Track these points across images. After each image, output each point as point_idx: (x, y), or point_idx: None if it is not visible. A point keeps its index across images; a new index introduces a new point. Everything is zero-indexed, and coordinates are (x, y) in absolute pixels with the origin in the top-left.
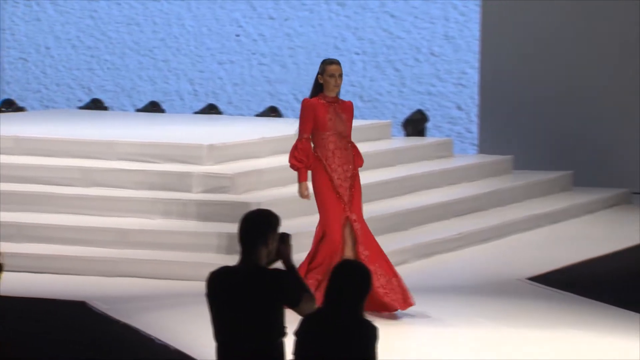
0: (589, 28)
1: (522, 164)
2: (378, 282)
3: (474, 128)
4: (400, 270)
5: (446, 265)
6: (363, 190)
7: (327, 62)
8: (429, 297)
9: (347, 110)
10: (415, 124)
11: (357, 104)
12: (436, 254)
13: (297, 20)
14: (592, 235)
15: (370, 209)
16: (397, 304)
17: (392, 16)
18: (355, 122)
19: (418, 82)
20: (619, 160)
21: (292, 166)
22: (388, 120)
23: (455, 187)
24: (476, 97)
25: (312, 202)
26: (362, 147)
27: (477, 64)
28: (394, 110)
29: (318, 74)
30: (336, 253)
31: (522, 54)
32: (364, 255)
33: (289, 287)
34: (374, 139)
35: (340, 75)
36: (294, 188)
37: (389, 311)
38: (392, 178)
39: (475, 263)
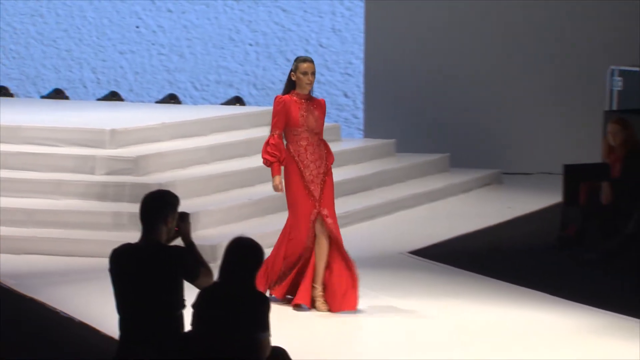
0: (464, 21)
1: (404, 147)
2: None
3: (360, 114)
4: None
5: None
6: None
7: (300, 60)
8: None
9: (319, 108)
10: None
11: (251, 91)
12: None
13: (194, 13)
14: (467, 213)
15: (262, 190)
16: (330, 306)
17: (284, 10)
18: (249, 109)
19: None
20: (491, 144)
21: (266, 161)
22: None
23: (343, 168)
24: (361, 85)
25: (209, 183)
26: (256, 134)
27: (362, 55)
28: None
29: (291, 71)
30: (302, 250)
31: (403, 46)
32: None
33: (188, 263)
34: (266, 124)
35: (313, 73)
36: (193, 170)
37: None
38: None
39: (361, 239)
